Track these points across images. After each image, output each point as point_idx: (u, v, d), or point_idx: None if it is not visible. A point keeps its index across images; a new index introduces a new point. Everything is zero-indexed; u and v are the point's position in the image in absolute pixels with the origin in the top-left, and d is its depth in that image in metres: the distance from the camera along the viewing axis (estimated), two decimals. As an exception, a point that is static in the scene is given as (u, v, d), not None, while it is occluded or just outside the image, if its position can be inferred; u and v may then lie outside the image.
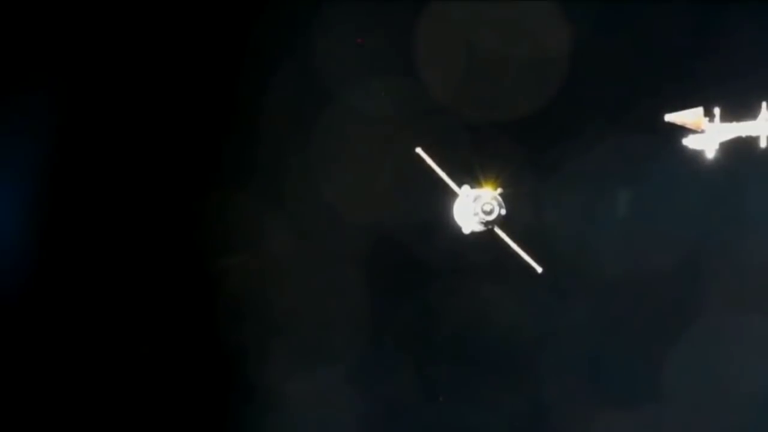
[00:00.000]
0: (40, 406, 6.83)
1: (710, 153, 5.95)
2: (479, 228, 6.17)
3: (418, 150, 6.29)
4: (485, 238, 6.23)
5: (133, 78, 6.96)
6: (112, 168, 6.96)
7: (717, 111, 5.89)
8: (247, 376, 6.90)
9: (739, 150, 5.96)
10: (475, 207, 6.12)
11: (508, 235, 6.20)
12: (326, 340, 6.89)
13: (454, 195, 6.23)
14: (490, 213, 6.10)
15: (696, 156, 6.00)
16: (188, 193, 6.92)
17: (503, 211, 6.11)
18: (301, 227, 6.89)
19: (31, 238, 6.94)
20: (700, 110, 5.90)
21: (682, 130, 5.95)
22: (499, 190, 6.13)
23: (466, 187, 6.20)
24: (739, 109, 5.90)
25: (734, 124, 5.90)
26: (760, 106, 5.87)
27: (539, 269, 6.28)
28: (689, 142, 5.98)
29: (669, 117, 5.90)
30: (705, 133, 5.92)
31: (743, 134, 5.92)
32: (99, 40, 6.95)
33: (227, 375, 6.93)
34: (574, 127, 6.64)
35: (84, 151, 6.98)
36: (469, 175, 6.20)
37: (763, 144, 5.90)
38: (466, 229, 6.20)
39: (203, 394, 6.91)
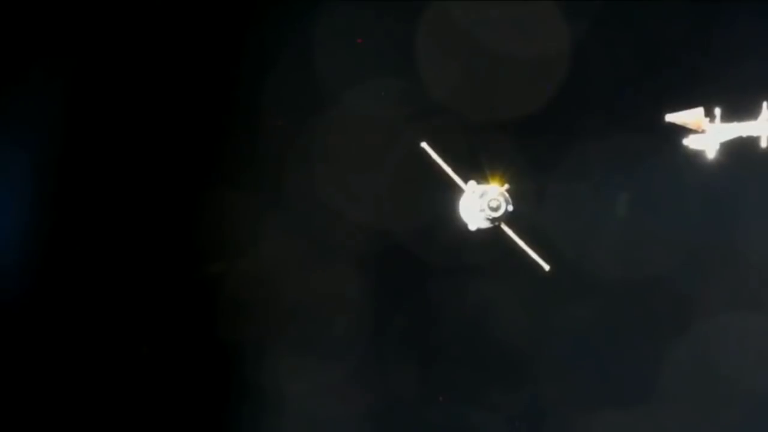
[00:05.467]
0: (40, 405, 6.76)
1: (711, 153, 5.95)
2: (485, 224, 6.14)
3: (424, 144, 6.27)
4: (492, 235, 6.21)
5: (132, 78, 6.93)
6: (111, 168, 6.92)
7: (718, 111, 5.89)
8: (246, 375, 6.86)
9: (740, 150, 5.96)
10: (481, 203, 6.08)
11: (515, 231, 6.18)
12: (328, 339, 6.86)
13: (460, 191, 6.20)
14: (496, 209, 6.07)
15: (697, 156, 5.99)
16: (188, 193, 6.89)
17: (510, 208, 6.08)
18: (303, 225, 6.87)
19: (30, 238, 6.89)
20: (700, 110, 5.90)
21: (683, 131, 5.95)
22: (506, 186, 6.10)
23: (472, 183, 6.17)
24: (740, 109, 5.91)
25: (735, 124, 5.91)
26: (760, 107, 5.87)
27: (546, 267, 6.26)
28: (690, 142, 5.98)
29: (670, 117, 5.91)
30: (706, 133, 5.92)
31: (744, 134, 5.92)
32: (98, 39, 6.92)
33: (227, 375, 6.89)
34: (575, 127, 6.64)
35: (82, 151, 6.94)
36: (475, 171, 6.18)
37: (763, 144, 5.91)
38: (472, 226, 6.17)
39: (203, 394, 6.86)
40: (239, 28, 6.99)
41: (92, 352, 6.83)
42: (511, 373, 6.74)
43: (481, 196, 6.10)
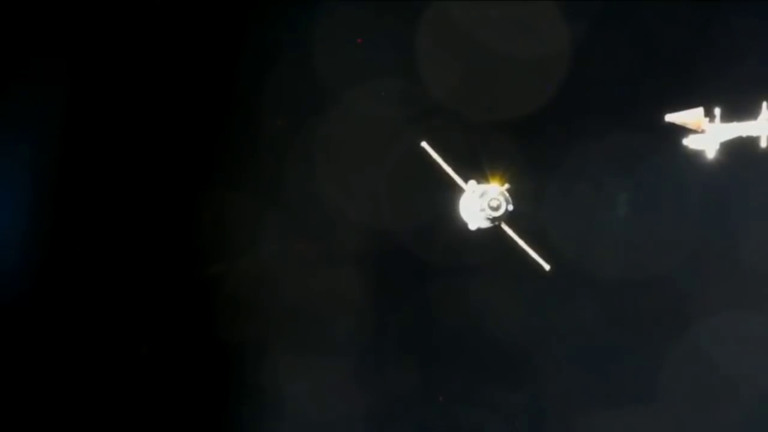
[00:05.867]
0: (40, 406, 6.76)
1: (711, 153, 5.94)
2: (486, 224, 6.14)
3: (424, 144, 6.26)
4: (492, 235, 6.20)
5: (131, 78, 6.93)
6: (111, 168, 6.92)
7: (717, 111, 5.88)
8: (247, 376, 6.86)
9: (740, 150, 5.96)
10: (481, 203, 6.07)
11: (516, 231, 6.18)
12: (328, 339, 6.86)
13: (460, 190, 6.20)
14: (497, 209, 6.06)
15: (696, 156, 5.99)
16: (188, 193, 6.89)
17: (510, 207, 6.07)
18: (303, 225, 6.87)
19: (31, 238, 6.89)
20: (700, 110, 5.89)
21: (683, 131, 5.94)
22: (507, 186, 6.10)
23: (472, 182, 6.17)
24: (740, 109, 5.90)
25: (735, 124, 5.90)
26: (760, 106, 5.86)
27: (547, 267, 6.25)
28: (690, 142, 5.97)
29: (669, 117, 5.90)
30: (705, 133, 5.91)
31: (744, 134, 5.91)
32: (98, 39, 6.92)
33: (227, 375, 6.88)
34: (575, 127, 6.64)
35: (82, 151, 6.94)
36: (475, 170, 6.18)
37: (763, 144, 5.90)
38: (473, 226, 6.16)
39: (203, 394, 6.86)
40: (239, 28, 6.99)
41: (92, 352, 6.83)
42: (511, 373, 6.74)
43: (482, 195, 6.09)
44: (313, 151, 6.82)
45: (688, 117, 5.88)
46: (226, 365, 6.89)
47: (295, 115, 6.88)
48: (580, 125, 6.62)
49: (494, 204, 6.05)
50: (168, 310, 6.90)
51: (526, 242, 6.22)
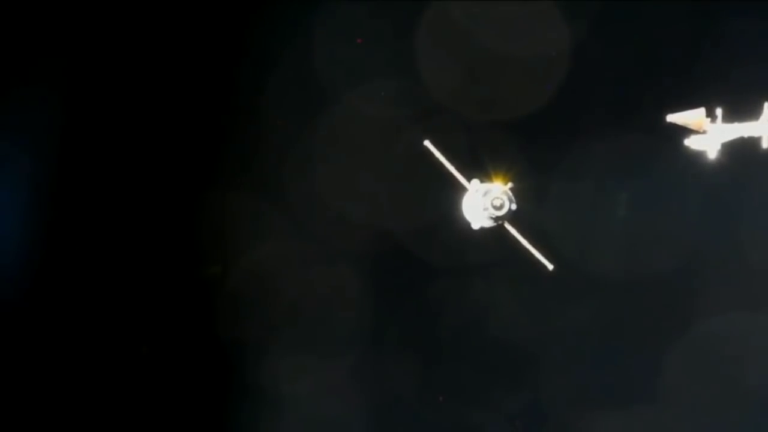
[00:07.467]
0: (40, 406, 6.75)
1: (712, 154, 5.95)
2: (489, 223, 6.13)
3: (426, 143, 6.26)
4: (495, 234, 6.20)
5: (131, 78, 6.93)
6: (111, 168, 6.92)
7: (719, 111, 5.89)
8: (247, 375, 6.84)
9: (742, 151, 5.96)
10: (484, 202, 6.07)
11: (519, 230, 6.17)
12: (328, 339, 6.85)
13: (463, 189, 6.19)
14: (500, 208, 6.06)
15: (698, 157, 5.99)
16: (188, 193, 6.88)
17: (513, 206, 6.07)
18: (303, 225, 6.86)
19: (30, 238, 6.88)
20: (702, 111, 5.90)
21: (684, 131, 5.95)
22: (510, 185, 6.10)
23: (475, 181, 6.16)
24: (742, 109, 5.91)
25: (736, 124, 5.91)
26: (762, 107, 5.88)
27: (550, 266, 6.25)
28: (691, 142, 5.98)
29: (671, 117, 5.91)
30: (707, 133, 5.92)
31: (746, 135, 5.93)
32: (98, 39, 6.91)
33: (227, 375, 6.87)
34: (577, 126, 6.65)
35: (83, 151, 6.94)
36: (478, 169, 6.18)
37: (765, 145, 5.92)
38: (476, 225, 6.16)
39: (203, 394, 6.85)
40: (239, 27, 6.99)
41: (92, 352, 6.82)
42: (513, 372, 6.73)
43: (485, 194, 6.08)
44: (314, 151, 6.82)
45: (690, 117, 5.90)
46: (226, 365, 6.88)
47: (295, 115, 6.86)
48: (583, 125, 6.63)
49: (497, 203, 6.05)
50: (168, 310, 6.89)
51: (529, 241, 6.22)
